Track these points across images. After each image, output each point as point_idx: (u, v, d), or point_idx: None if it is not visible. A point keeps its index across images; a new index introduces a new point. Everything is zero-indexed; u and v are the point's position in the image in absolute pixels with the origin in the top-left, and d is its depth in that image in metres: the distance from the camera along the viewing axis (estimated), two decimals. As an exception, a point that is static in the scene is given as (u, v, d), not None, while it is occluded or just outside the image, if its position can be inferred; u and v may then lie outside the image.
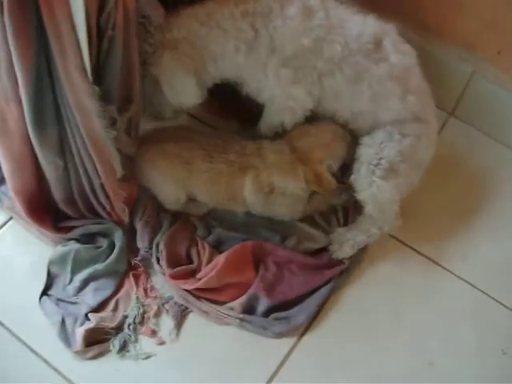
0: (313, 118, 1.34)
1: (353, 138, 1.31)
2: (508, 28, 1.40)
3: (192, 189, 1.31)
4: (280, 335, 1.22)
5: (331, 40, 1.20)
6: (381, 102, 1.25)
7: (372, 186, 1.24)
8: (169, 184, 1.31)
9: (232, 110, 1.52)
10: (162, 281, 1.27)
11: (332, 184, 1.26)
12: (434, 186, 1.43)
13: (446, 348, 1.24)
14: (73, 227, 1.29)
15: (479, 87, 1.53)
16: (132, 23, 1.08)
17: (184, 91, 1.24)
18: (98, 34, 1.04)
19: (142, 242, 1.29)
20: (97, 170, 1.18)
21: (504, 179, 1.51)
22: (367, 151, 1.25)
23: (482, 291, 1.32)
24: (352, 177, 1.27)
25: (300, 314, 1.23)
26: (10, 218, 1.35)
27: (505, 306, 1.30)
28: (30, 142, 1.13)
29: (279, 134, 1.34)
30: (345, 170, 1.32)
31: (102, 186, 1.21)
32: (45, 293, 1.24)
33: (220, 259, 1.25)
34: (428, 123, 1.29)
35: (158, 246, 1.28)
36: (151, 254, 1.28)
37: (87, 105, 1.06)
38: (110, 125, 1.13)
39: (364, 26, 1.22)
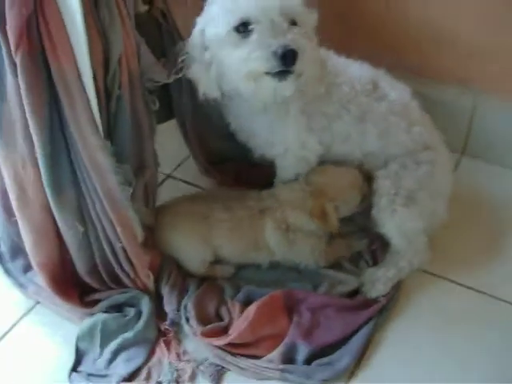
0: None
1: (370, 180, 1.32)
2: (500, 55, 1.45)
3: (215, 243, 1.30)
4: (325, 382, 1.14)
5: (339, 83, 1.26)
6: (388, 138, 1.30)
7: (394, 216, 1.25)
8: (192, 245, 1.31)
9: (246, 179, 1.54)
10: (194, 343, 1.22)
11: (335, 225, 1.28)
12: (459, 222, 1.42)
13: (493, 370, 1.16)
14: (99, 300, 1.27)
15: (484, 119, 1.55)
16: (137, 84, 1.14)
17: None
18: (106, 94, 1.09)
19: (169, 306, 1.26)
20: (117, 234, 1.18)
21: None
22: (384, 183, 1.27)
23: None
24: (373, 211, 1.28)
25: (343, 357, 1.17)
26: (37, 304, 1.33)
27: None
28: (50, 210, 1.15)
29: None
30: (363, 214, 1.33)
31: (124, 250, 1.20)
32: (74, 369, 1.19)
33: (250, 311, 1.21)
34: (438, 150, 1.33)
35: (186, 307, 1.25)
36: (180, 316, 1.25)
37: (101, 161, 1.09)
38: (125, 184, 1.14)
39: (362, 70, 1.31)
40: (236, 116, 1.31)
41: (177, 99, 1.36)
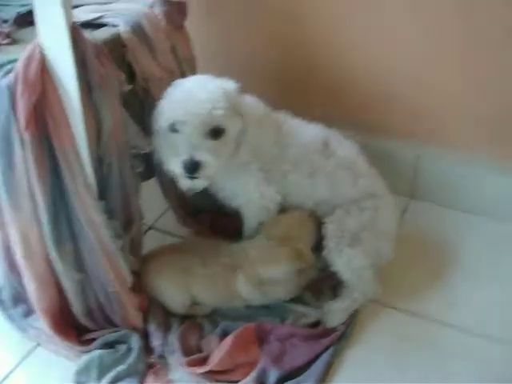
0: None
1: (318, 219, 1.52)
2: (437, 112, 1.68)
3: (193, 291, 1.48)
4: (293, 402, 1.31)
5: (293, 144, 1.47)
6: (337, 190, 1.49)
7: (342, 256, 1.43)
8: (173, 291, 1.48)
9: (220, 227, 1.74)
10: (179, 373, 1.37)
11: (311, 257, 1.45)
12: (408, 258, 1.61)
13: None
14: (93, 339, 1.42)
15: (427, 166, 1.77)
16: (124, 152, 1.33)
17: None
18: (99, 161, 1.29)
19: (156, 341, 1.42)
20: (110, 280, 1.36)
21: (468, 239, 1.70)
22: (331, 227, 1.46)
23: (472, 333, 1.44)
24: (324, 252, 1.46)
25: (308, 379, 1.33)
26: (37, 346, 1.48)
27: (497, 340, 1.41)
28: (51, 261, 1.32)
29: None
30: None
31: (116, 294, 1.37)
32: (74, 403, 1.34)
33: (227, 341, 1.38)
34: (382, 197, 1.52)
35: (171, 342, 1.42)
36: (166, 350, 1.41)
37: (95, 218, 1.28)
38: (116, 237, 1.34)
39: (315, 130, 1.52)
40: None
41: (156, 161, 1.55)
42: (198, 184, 1.39)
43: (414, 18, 1.60)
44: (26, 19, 1.41)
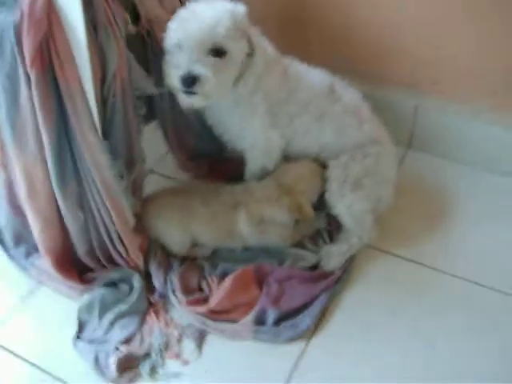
0: (290, 158, 1.58)
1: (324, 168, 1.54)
2: (437, 62, 1.69)
3: (194, 231, 1.50)
4: (290, 340, 1.36)
5: (300, 88, 1.48)
6: (342, 133, 1.51)
7: (343, 199, 1.47)
8: (173, 231, 1.51)
9: (219, 172, 1.76)
10: (179, 312, 1.42)
11: (310, 213, 1.48)
12: (405, 206, 1.65)
13: (442, 331, 1.37)
14: (95, 278, 1.46)
15: (426, 117, 1.79)
16: (128, 93, 1.33)
17: None
18: (102, 101, 1.29)
19: (157, 281, 1.46)
20: (112, 220, 1.38)
21: (466, 190, 1.74)
22: (335, 171, 1.49)
23: (465, 279, 1.48)
24: (326, 195, 1.50)
25: (305, 319, 1.38)
26: (38, 286, 1.51)
27: (488, 288, 1.46)
28: (55, 201, 1.34)
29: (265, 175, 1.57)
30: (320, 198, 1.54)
31: (117, 234, 1.40)
32: (77, 337, 1.38)
33: (227, 282, 1.42)
34: (384, 144, 1.55)
35: (171, 280, 1.45)
36: (167, 289, 1.44)
37: (99, 159, 1.29)
38: (119, 176, 1.35)
39: (320, 76, 1.52)
40: (212, 112, 1.52)
41: (158, 104, 1.54)
42: (196, 101, 1.36)
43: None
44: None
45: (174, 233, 1.51)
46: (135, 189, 1.48)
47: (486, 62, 1.64)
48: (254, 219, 1.48)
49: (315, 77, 1.51)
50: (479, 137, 1.76)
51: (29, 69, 1.15)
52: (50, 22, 1.14)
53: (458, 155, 1.81)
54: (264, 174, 1.57)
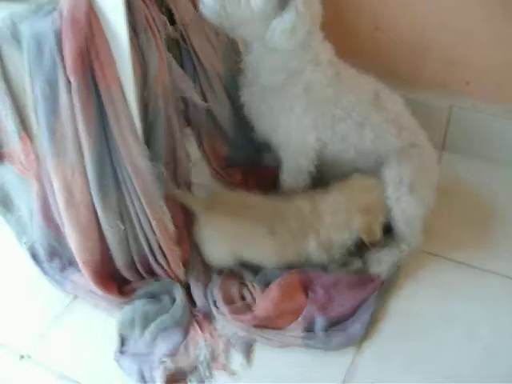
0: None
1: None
2: (470, 61, 1.66)
3: (246, 256, 1.44)
4: (341, 346, 1.32)
5: (348, 91, 1.45)
6: (381, 141, 1.47)
7: (400, 202, 1.43)
8: (217, 251, 1.44)
9: (253, 181, 1.72)
10: (222, 321, 1.38)
11: (378, 236, 1.42)
12: (446, 208, 1.61)
13: (497, 333, 1.33)
14: (135, 290, 1.42)
15: (460, 118, 1.76)
16: (169, 95, 1.30)
17: None
18: (144, 105, 1.26)
19: (197, 296, 1.41)
20: (152, 229, 1.34)
21: (503, 191, 1.70)
22: (390, 172, 1.44)
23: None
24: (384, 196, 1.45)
25: (355, 324, 1.34)
26: (74, 299, 1.47)
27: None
28: (94, 210, 1.30)
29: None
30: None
31: (158, 243, 1.36)
32: (118, 351, 1.34)
33: (273, 289, 1.38)
34: (424, 147, 1.51)
35: (212, 292, 1.41)
36: (208, 302, 1.40)
37: (140, 164, 1.25)
38: (160, 183, 1.32)
39: (367, 82, 1.49)
40: (248, 87, 1.47)
41: (192, 110, 1.52)
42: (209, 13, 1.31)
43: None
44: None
45: (217, 251, 1.45)
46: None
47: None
48: (325, 246, 1.43)
49: (363, 82, 1.49)
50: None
51: (69, 74, 1.13)
52: (91, 27, 1.12)
53: (493, 155, 1.78)
54: (301, 176, 1.54)
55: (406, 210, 1.42)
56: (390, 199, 1.43)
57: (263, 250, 1.42)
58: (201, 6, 1.31)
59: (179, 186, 1.40)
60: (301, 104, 1.42)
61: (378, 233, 1.41)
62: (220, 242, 1.42)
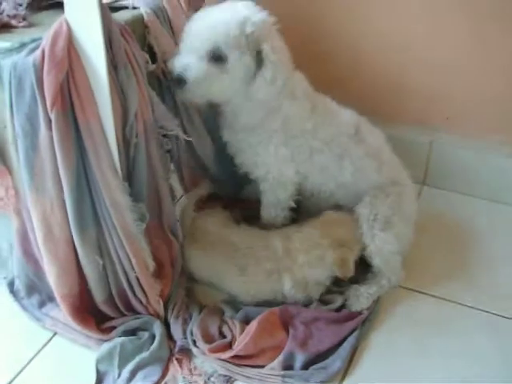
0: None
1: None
2: (450, 97, 1.69)
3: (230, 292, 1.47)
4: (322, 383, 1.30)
5: (327, 123, 1.46)
6: (361, 175, 1.49)
7: (374, 239, 1.43)
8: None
9: (234, 213, 1.72)
10: (202, 359, 1.36)
11: (351, 271, 1.43)
12: (426, 243, 1.64)
13: (475, 369, 1.32)
14: (114, 327, 1.40)
15: (440, 153, 1.78)
16: (151, 132, 1.31)
17: None
18: (125, 142, 1.26)
19: (176, 334, 1.39)
20: (132, 265, 1.33)
21: (484, 224, 1.72)
22: (363, 211, 1.46)
23: (494, 314, 1.45)
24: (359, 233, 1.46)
25: (335, 362, 1.32)
26: (54, 335, 1.45)
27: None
28: (73, 246, 1.29)
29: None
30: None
31: (137, 279, 1.35)
32: (96, 390, 1.31)
33: (252, 326, 1.36)
34: (404, 185, 1.52)
35: (191, 332, 1.39)
36: (187, 342, 1.37)
37: (119, 200, 1.25)
38: (140, 219, 1.31)
39: (348, 115, 1.51)
40: (228, 129, 1.49)
41: (174, 150, 1.52)
42: (185, 98, 1.37)
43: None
44: (39, 3, 1.40)
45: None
46: (165, 229, 1.44)
47: (499, 97, 1.65)
48: (301, 285, 1.43)
49: (343, 115, 1.50)
50: (495, 170, 1.76)
51: (49, 110, 1.13)
52: (71, 62, 1.14)
53: (474, 190, 1.81)
54: (280, 209, 1.54)
55: (381, 247, 1.43)
56: (365, 236, 1.44)
57: (233, 288, 1.45)
58: (182, 94, 1.35)
59: (163, 224, 1.38)
60: (279, 137, 1.44)
61: (352, 266, 1.42)
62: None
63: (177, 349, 1.38)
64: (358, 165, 1.48)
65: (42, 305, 1.48)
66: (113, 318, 1.42)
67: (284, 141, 1.44)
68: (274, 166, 1.46)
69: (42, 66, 1.12)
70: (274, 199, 1.52)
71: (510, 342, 1.38)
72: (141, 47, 1.30)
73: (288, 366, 1.32)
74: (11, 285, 1.50)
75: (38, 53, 1.12)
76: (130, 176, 1.27)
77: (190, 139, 1.45)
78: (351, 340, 1.37)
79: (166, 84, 1.42)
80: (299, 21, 1.75)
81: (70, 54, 1.13)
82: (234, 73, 1.32)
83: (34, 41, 1.17)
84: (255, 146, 1.45)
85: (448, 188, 1.83)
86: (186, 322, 1.42)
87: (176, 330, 1.40)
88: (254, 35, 1.30)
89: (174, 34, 1.41)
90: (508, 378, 1.30)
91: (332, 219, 1.46)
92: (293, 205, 1.55)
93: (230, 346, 1.37)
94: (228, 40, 1.27)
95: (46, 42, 1.12)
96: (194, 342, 1.38)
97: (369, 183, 1.49)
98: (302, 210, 1.60)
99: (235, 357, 1.34)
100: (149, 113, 1.26)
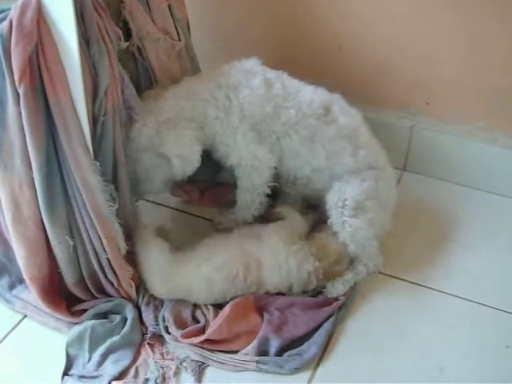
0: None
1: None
2: (431, 82, 1.66)
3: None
4: (296, 370, 1.28)
5: (286, 106, 1.41)
6: (335, 159, 1.44)
7: (345, 226, 1.39)
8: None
9: (210, 198, 1.71)
10: (174, 343, 1.33)
11: (333, 255, 1.43)
12: (404, 229, 1.60)
13: (451, 354, 1.32)
14: (85, 310, 1.37)
15: (421, 138, 1.76)
16: (118, 112, 1.27)
17: (192, 158, 1.39)
18: (93, 120, 1.22)
19: (148, 320, 1.36)
20: (103, 246, 1.29)
21: (463, 211, 1.70)
22: (332, 198, 1.42)
23: (469, 300, 1.44)
24: (328, 221, 1.43)
25: (310, 348, 1.31)
26: (23, 318, 1.41)
27: (493, 308, 1.42)
28: (43, 225, 1.25)
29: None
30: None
31: (108, 261, 1.31)
32: (66, 373, 1.28)
33: (226, 310, 1.34)
34: (383, 169, 1.47)
35: (163, 317, 1.36)
36: (159, 329, 1.35)
37: (90, 180, 1.22)
38: (111, 200, 1.27)
39: (315, 94, 1.44)
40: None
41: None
42: None
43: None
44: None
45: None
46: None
47: (480, 82, 1.63)
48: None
49: (308, 94, 1.43)
50: (475, 157, 1.73)
51: (17, 84, 1.09)
52: (40, 35, 1.09)
53: (454, 176, 1.78)
54: (256, 194, 1.51)
55: (353, 233, 1.39)
56: (335, 224, 1.41)
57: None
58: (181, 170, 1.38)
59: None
60: (243, 126, 1.40)
61: (333, 251, 1.41)
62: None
63: (149, 335, 1.35)
64: (330, 148, 1.42)
65: (11, 287, 1.45)
66: (84, 301, 1.39)
67: (250, 127, 1.41)
68: (245, 151, 1.42)
69: (10, 37, 1.07)
70: (249, 184, 1.48)
71: (486, 328, 1.37)
72: (115, 23, 1.25)
73: (262, 352, 1.30)
74: (-19, 266, 1.45)
75: (5, 23, 1.07)
76: (96, 155, 1.23)
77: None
78: (327, 326, 1.35)
79: (141, 62, 1.37)
80: (274, 9, 1.71)
81: (39, 26, 1.08)
82: None
83: (1, 11, 1.11)
84: (226, 137, 1.43)
85: (427, 174, 1.80)
86: (157, 309, 1.39)
87: (147, 316, 1.37)
88: None
89: (151, 10, 1.36)
90: (484, 362, 1.30)
91: (323, 242, 1.44)
92: (268, 191, 1.51)
93: (203, 330, 1.34)
94: None
95: (13, 13, 1.07)
96: (167, 328, 1.35)
97: (344, 168, 1.43)
98: (281, 199, 1.57)
99: (208, 342, 1.31)
100: (118, 92, 1.21)
